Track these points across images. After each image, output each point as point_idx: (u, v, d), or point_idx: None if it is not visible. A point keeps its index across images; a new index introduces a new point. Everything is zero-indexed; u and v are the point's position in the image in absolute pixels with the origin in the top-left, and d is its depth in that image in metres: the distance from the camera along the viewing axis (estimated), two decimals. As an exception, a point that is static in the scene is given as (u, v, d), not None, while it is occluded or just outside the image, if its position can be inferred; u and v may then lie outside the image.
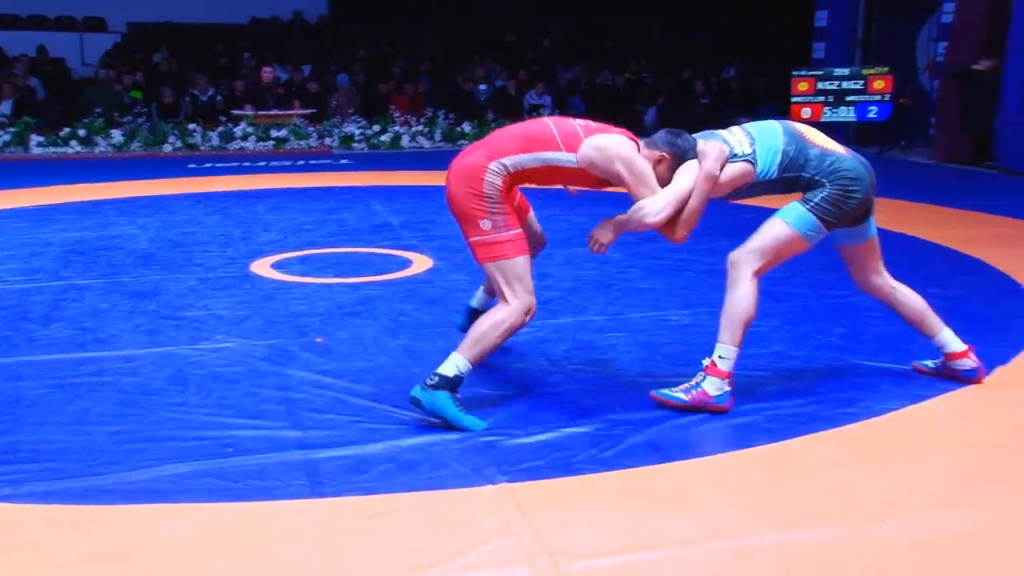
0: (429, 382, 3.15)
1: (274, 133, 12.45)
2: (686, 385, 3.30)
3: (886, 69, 12.14)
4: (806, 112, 12.45)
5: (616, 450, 2.93)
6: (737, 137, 3.33)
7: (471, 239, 3.25)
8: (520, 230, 3.27)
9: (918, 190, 8.73)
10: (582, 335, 4.19)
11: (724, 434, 3.06)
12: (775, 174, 3.29)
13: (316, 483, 2.72)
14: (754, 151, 3.30)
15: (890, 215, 7.18)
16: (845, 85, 12.19)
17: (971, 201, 7.92)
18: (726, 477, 2.76)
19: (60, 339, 4.13)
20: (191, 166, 10.84)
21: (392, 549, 2.37)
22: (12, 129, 11.88)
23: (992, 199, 8.09)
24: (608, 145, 3.22)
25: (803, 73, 12.56)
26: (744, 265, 3.26)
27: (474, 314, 3.77)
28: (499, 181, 3.20)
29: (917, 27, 12.86)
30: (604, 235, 3.32)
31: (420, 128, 12.78)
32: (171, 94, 13.29)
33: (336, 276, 5.36)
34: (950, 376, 3.53)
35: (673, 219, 3.23)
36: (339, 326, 4.32)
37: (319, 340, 4.10)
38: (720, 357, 3.26)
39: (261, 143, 12.37)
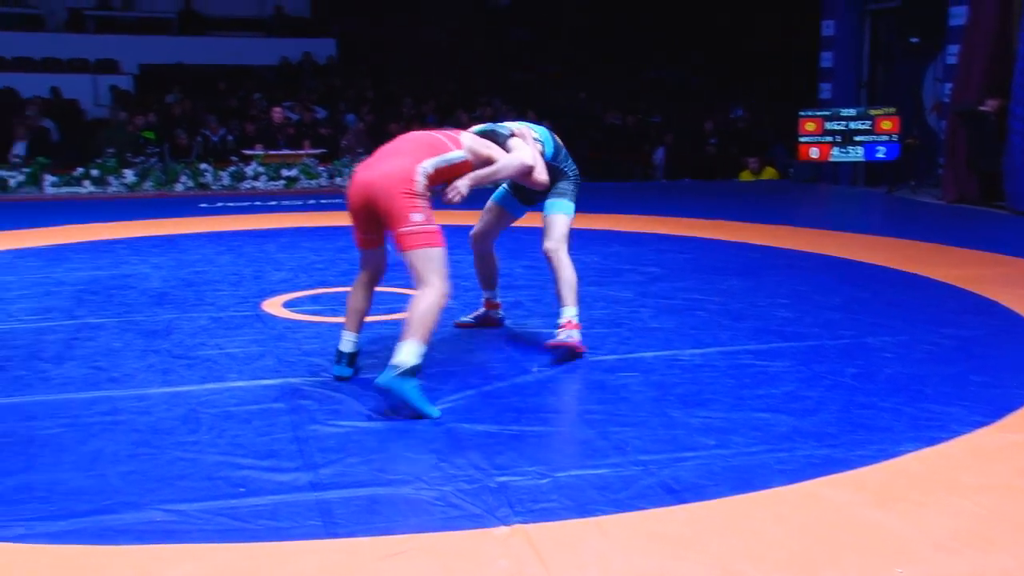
0: (397, 372, 3.56)
1: (285, 172, 12.56)
2: (564, 334, 4.31)
3: (893, 110, 12.22)
4: (814, 152, 12.53)
5: (629, 492, 2.91)
6: (530, 130, 4.46)
7: (401, 229, 3.75)
8: (439, 226, 3.83)
9: (929, 230, 8.74)
10: (594, 375, 4.19)
11: (738, 476, 3.04)
12: (550, 159, 4.42)
13: (329, 523, 2.71)
14: (543, 142, 4.46)
15: (901, 254, 7.22)
16: (852, 125, 12.27)
17: (981, 241, 7.92)
18: (739, 520, 2.75)
19: (74, 378, 4.15)
20: (202, 205, 10.92)
21: (406, 591, 2.35)
22: (27, 170, 12.01)
23: (1002, 239, 8.10)
24: (476, 137, 4.18)
25: (810, 113, 12.64)
26: (560, 252, 4.40)
27: (352, 358, 4.14)
28: (426, 180, 3.86)
29: (922, 69, 12.94)
30: (462, 185, 4.06)
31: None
32: (184, 135, 13.42)
33: (347, 315, 5.36)
34: (485, 323, 4.93)
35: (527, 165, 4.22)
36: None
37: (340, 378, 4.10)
38: (575, 315, 4.34)
39: (272, 182, 12.47)
